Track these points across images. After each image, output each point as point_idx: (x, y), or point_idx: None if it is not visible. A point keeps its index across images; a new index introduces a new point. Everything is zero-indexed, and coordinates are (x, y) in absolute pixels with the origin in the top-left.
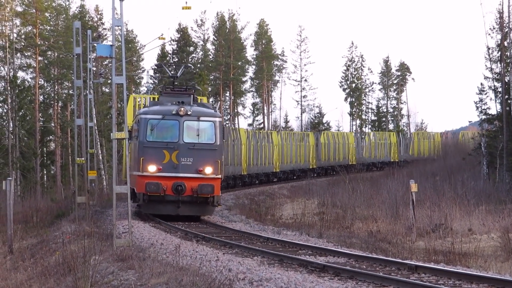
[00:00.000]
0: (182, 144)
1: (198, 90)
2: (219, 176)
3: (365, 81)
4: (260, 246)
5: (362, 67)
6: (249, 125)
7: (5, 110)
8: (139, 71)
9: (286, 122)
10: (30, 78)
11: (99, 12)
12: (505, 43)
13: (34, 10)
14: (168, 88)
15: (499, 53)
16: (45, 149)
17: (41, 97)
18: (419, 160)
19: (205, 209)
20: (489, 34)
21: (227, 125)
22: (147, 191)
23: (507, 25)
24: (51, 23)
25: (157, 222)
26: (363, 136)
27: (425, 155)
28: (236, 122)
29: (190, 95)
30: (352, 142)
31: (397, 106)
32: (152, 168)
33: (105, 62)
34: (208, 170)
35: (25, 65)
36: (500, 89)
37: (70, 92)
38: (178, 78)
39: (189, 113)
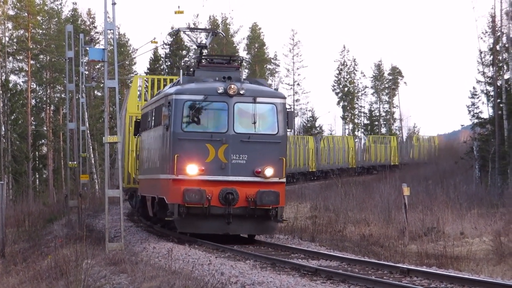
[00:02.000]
0: (232, 136)
1: (247, 62)
2: (283, 180)
3: (358, 85)
4: (252, 250)
5: (354, 71)
6: None
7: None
8: (132, 75)
9: None
10: (22, 81)
11: (92, 16)
12: (497, 47)
13: (26, 14)
14: (205, 60)
15: (491, 57)
16: (37, 153)
17: (33, 100)
18: (375, 167)
19: (265, 226)
20: (482, 38)
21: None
22: (186, 201)
23: (499, 29)
24: (43, 26)
25: (149, 226)
26: (318, 140)
27: (381, 161)
28: None
29: (238, 68)
30: (312, 147)
31: (389, 110)
32: (191, 170)
33: (98, 66)
34: (269, 171)
35: (17, 68)
36: (492, 93)
37: (63, 96)
38: (208, 48)
39: (241, 92)
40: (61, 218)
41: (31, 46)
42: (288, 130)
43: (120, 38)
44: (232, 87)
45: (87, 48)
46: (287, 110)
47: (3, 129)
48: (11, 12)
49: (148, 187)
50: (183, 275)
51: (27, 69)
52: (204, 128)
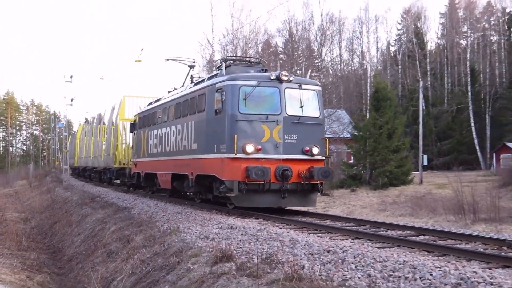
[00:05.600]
0: (285, 118)
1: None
2: (324, 157)
3: None
4: (144, 193)
5: None
6: None
7: (31, 146)
8: (72, 133)
9: None
10: (37, 133)
11: (59, 113)
12: None
13: (38, 111)
14: (231, 59)
15: None
16: (42, 155)
17: (41, 139)
18: None
19: (310, 199)
20: None
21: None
22: (252, 177)
23: None
24: (44, 116)
25: (78, 175)
26: None
27: None
28: None
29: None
30: None
31: None
32: (250, 148)
33: (62, 128)
34: (316, 150)
35: (36, 130)
36: None
37: (50, 137)
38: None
39: (290, 79)
40: (50, 175)
41: (42, 123)
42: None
43: (69, 121)
44: (284, 73)
45: (58, 123)
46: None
47: (32, 148)
48: (34, 111)
49: (168, 166)
50: (87, 192)
51: (39, 128)
52: (259, 111)
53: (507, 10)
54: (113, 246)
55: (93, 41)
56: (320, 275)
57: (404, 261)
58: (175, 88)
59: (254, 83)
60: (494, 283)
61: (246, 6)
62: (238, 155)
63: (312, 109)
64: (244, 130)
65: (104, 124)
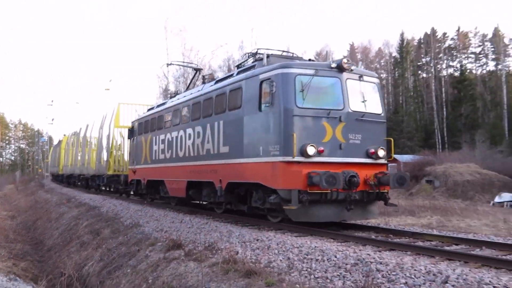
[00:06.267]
0: (349, 113)
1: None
2: (388, 161)
3: None
4: (124, 198)
5: None
6: None
7: (18, 156)
8: (53, 146)
9: None
10: (24, 146)
11: (42, 130)
12: None
13: (24, 129)
14: (261, 53)
15: None
16: (27, 164)
17: (26, 151)
18: None
19: (372, 211)
20: None
21: None
22: (323, 186)
23: None
24: (29, 133)
25: (61, 181)
26: None
27: None
28: None
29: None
30: None
31: None
32: (311, 150)
33: (44, 142)
34: (381, 152)
35: (23, 145)
36: None
37: (34, 150)
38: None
39: (352, 68)
40: (34, 181)
41: (27, 138)
42: None
43: (50, 137)
44: (345, 61)
45: (41, 138)
46: None
47: (19, 158)
48: (20, 129)
49: (181, 173)
50: (65, 194)
51: (25, 142)
52: (319, 105)
53: (393, 55)
54: (85, 238)
55: (70, 72)
56: (250, 259)
57: (316, 246)
58: (177, 93)
59: (312, 71)
60: (382, 262)
61: (195, 47)
62: (297, 158)
63: (375, 105)
64: (303, 128)
65: (90, 135)
